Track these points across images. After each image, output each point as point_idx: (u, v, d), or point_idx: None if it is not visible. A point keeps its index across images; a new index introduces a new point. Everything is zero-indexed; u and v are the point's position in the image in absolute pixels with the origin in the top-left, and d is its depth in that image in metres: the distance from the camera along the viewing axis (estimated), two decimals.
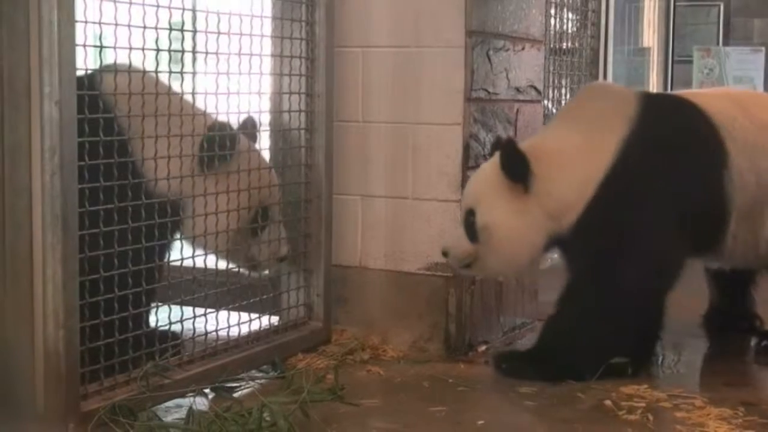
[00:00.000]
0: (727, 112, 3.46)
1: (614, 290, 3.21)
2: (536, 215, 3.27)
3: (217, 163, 3.12)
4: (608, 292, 3.22)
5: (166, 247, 3.15)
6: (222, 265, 3.33)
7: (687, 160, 3.35)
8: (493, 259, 3.32)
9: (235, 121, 3.28)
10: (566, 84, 5.10)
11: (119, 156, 2.77)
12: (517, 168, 3.25)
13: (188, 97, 3.11)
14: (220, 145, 3.12)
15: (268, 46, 3.44)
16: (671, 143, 3.34)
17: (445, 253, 3.39)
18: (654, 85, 8.41)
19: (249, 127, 3.35)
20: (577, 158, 3.28)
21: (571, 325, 3.27)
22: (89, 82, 2.77)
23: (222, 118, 3.19)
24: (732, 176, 3.37)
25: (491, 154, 3.45)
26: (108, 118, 2.74)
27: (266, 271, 3.47)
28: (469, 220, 3.31)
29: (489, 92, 3.60)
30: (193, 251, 3.16)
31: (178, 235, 3.16)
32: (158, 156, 2.95)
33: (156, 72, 2.95)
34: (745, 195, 3.39)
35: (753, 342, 3.77)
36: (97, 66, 2.79)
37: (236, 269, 3.35)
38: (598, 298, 3.22)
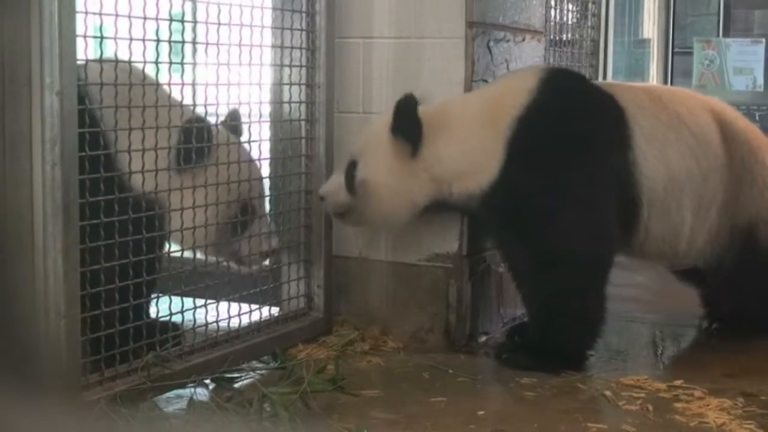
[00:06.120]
0: (637, 101, 3.45)
1: (561, 264, 3.22)
2: (420, 178, 3.25)
3: (193, 156, 3.02)
4: (557, 267, 3.22)
5: (163, 240, 3.14)
6: (210, 260, 3.29)
7: (587, 135, 3.33)
8: (368, 215, 3.31)
9: (222, 114, 3.24)
10: None
11: (97, 149, 2.70)
12: (409, 130, 3.22)
13: (166, 89, 3.02)
14: (197, 138, 3.03)
15: (268, 36, 3.44)
16: (569, 116, 3.32)
17: (321, 198, 3.39)
18: (654, 77, 8.42)
19: (233, 120, 3.27)
20: (473, 127, 3.27)
21: (549, 312, 3.28)
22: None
23: (199, 110, 3.09)
24: (636, 159, 3.35)
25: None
26: (90, 109, 2.70)
27: (255, 267, 3.35)
28: (350, 171, 3.28)
29: (489, 83, 3.59)
30: (181, 247, 3.10)
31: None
32: (133, 149, 2.84)
33: (156, 63, 2.93)
34: (655, 184, 3.37)
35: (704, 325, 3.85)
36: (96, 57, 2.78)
37: (225, 264, 3.31)
38: (555, 277, 3.23)
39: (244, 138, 3.32)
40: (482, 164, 3.24)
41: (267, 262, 3.44)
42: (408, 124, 3.23)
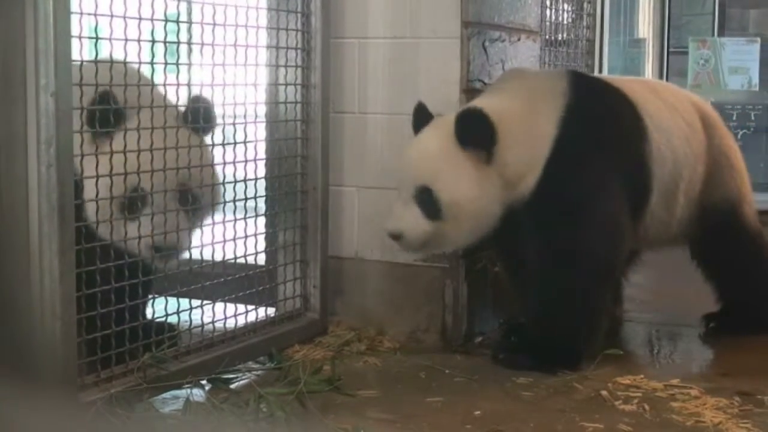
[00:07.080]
0: (641, 93, 3.58)
1: (579, 261, 3.23)
2: (496, 185, 3.22)
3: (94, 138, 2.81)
4: (575, 264, 3.23)
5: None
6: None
7: (618, 132, 3.43)
8: (455, 235, 3.22)
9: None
10: None
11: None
12: (483, 137, 3.18)
13: (161, 89, 2.99)
14: (102, 120, 2.80)
15: (263, 37, 3.44)
16: (604, 115, 3.41)
17: (397, 237, 3.21)
18: (650, 76, 8.41)
19: (195, 104, 3.05)
20: (523, 128, 3.26)
21: (555, 309, 3.28)
22: None
23: (110, 90, 2.79)
24: (652, 150, 3.46)
25: (416, 124, 3.32)
26: None
27: (165, 262, 3.02)
28: (426, 197, 3.17)
29: (485, 83, 3.59)
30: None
31: None
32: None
33: (151, 63, 2.92)
34: (664, 171, 3.50)
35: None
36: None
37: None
38: (569, 275, 3.23)
39: (219, 124, 3.14)
40: (534, 166, 3.24)
41: (163, 262, 3.03)
42: (481, 131, 3.17)
